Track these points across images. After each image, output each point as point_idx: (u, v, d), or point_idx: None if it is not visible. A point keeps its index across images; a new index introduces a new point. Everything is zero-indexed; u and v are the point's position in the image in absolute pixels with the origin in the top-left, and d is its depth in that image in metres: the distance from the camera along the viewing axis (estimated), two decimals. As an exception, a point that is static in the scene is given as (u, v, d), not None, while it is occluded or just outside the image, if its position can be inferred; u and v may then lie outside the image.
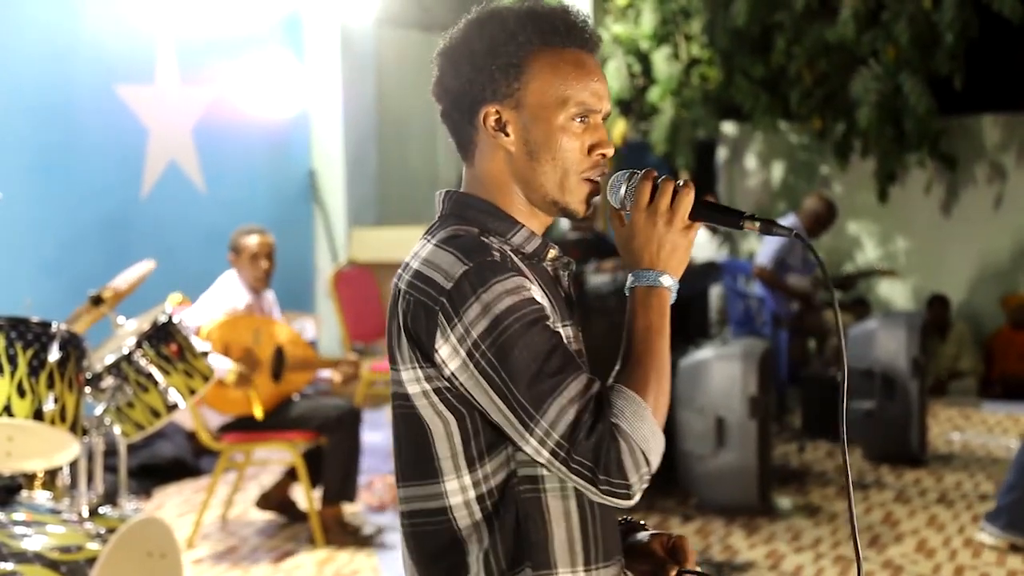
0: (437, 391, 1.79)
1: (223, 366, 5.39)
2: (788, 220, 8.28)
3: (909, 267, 10.16)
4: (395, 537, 5.75)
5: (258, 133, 8.39)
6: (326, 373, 6.03)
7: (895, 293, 10.31)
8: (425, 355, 1.78)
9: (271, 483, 6.08)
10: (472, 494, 1.81)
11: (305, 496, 5.64)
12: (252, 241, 5.79)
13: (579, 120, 1.86)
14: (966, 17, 8.05)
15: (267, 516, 6.06)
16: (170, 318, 4.55)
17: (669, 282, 1.83)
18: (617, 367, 1.82)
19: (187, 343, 4.58)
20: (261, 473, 6.88)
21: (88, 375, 4.16)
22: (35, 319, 3.75)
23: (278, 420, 5.60)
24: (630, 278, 1.85)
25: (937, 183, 9.88)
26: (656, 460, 1.75)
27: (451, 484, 1.82)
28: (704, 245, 10.17)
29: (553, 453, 1.72)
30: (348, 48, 8.86)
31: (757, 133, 10.25)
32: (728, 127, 10.54)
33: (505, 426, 1.75)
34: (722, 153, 10.83)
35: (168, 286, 6.01)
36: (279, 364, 5.67)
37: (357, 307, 7.72)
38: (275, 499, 5.95)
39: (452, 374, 1.76)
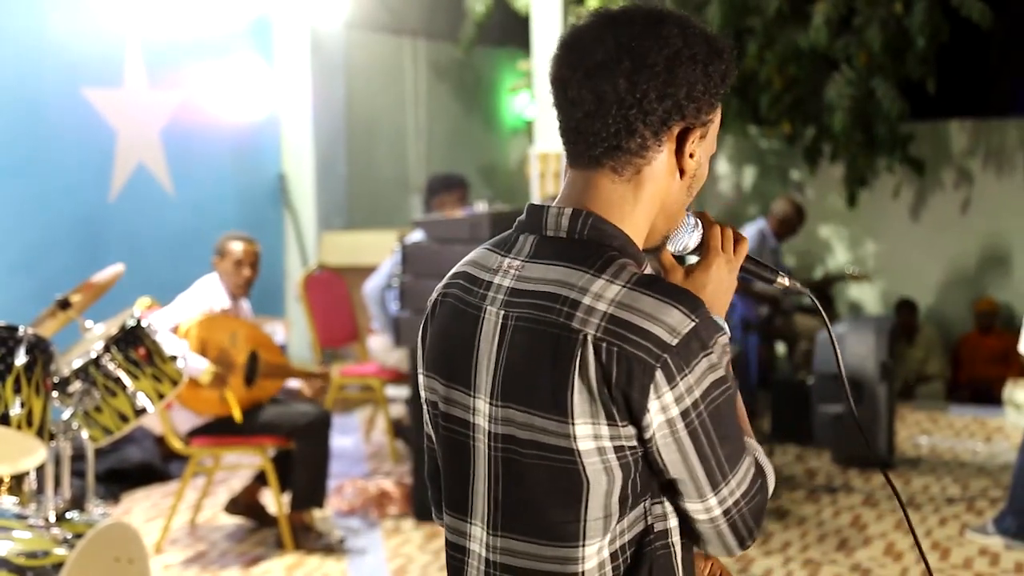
0: (619, 448, 1.62)
1: (199, 365, 5.37)
2: (758, 223, 8.33)
3: (878, 271, 10.23)
4: (364, 542, 5.73)
5: (227, 136, 8.35)
6: (295, 383, 6.02)
7: (864, 297, 10.37)
8: (628, 412, 1.60)
9: (240, 488, 6.05)
10: (607, 552, 1.67)
11: (275, 501, 5.61)
12: (237, 247, 5.79)
13: None
14: (936, 21, 8.11)
15: (236, 521, 6.03)
16: (138, 322, 4.53)
17: (726, 326, 1.80)
18: None
19: (156, 347, 4.55)
20: (230, 478, 6.84)
21: (55, 379, 4.13)
22: (1, 323, 3.72)
23: (248, 425, 5.58)
24: None
25: (906, 188, 9.96)
26: None
27: (592, 548, 1.66)
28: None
29: (727, 511, 1.65)
30: (317, 52, 8.84)
31: (728, 137, 10.29)
32: (698, 131, 10.57)
33: (686, 482, 1.64)
34: (692, 157, 10.84)
35: (136, 289, 5.98)
36: (253, 369, 5.64)
37: (327, 311, 7.69)
38: (244, 504, 5.93)
39: (653, 432, 1.61)
